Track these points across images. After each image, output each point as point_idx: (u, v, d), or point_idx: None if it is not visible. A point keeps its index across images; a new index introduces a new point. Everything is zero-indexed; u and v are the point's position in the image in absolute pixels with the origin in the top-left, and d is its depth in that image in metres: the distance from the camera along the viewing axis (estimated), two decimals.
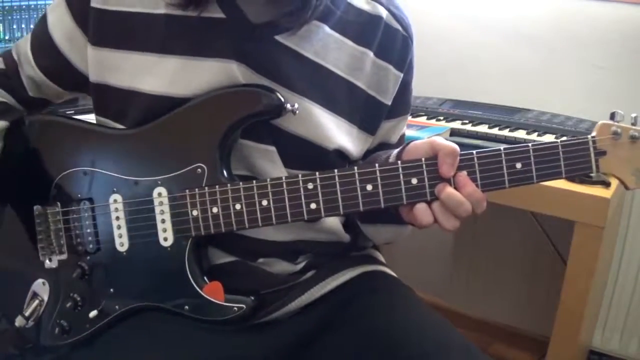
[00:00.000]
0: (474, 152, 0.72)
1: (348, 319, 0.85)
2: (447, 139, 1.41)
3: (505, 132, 1.42)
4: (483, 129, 1.45)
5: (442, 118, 1.56)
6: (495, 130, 1.43)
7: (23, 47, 0.88)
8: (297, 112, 0.77)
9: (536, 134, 1.40)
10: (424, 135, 1.39)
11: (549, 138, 1.37)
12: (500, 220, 1.81)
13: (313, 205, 0.74)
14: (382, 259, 0.99)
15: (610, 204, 1.16)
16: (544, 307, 1.80)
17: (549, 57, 1.69)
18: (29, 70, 0.87)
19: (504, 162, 0.72)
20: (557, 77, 1.69)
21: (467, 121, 1.52)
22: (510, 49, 1.74)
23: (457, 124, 1.50)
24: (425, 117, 1.58)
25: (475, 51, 1.80)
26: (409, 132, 0.98)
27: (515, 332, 1.93)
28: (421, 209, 0.73)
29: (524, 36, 1.72)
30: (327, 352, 0.83)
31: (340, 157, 0.84)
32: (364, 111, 0.85)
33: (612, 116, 0.73)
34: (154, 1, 0.77)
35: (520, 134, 1.41)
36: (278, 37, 0.77)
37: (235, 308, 0.77)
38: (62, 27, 0.82)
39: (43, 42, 0.84)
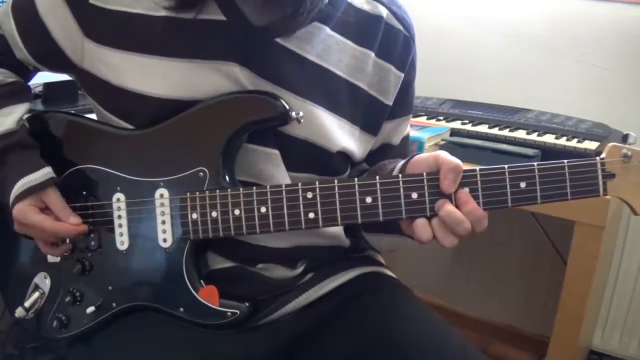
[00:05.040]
0: (477, 169, 0.71)
1: (346, 320, 0.85)
2: (447, 139, 1.41)
3: (505, 132, 1.42)
4: (483, 129, 1.45)
5: (442, 118, 1.56)
6: (495, 130, 1.43)
7: (8, 28, 0.84)
8: (302, 120, 0.76)
9: (536, 134, 1.40)
10: (424, 135, 1.38)
11: (549, 138, 1.37)
12: (500, 220, 1.81)
13: (311, 215, 0.73)
14: (381, 259, 0.99)
15: (610, 204, 1.16)
16: (544, 307, 1.80)
17: (548, 57, 1.69)
18: (18, 52, 0.85)
19: (507, 180, 0.70)
20: (557, 77, 1.69)
21: (467, 121, 1.52)
22: (510, 49, 1.75)
23: (457, 124, 1.50)
24: (425, 117, 1.58)
25: (475, 51, 1.80)
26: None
27: (515, 332, 1.93)
28: (420, 224, 0.72)
29: (523, 36, 1.72)
30: (325, 353, 0.83)
31: (343, 158, 0.84)
32: (366, 112, 0.85)
33: (625, 139, 0.70)
34: (154, 3, 0.77)
35: (520, 134, 1.41)
36: (279, 40, 0.77)
37: (229, 313, 0.77)
38: (56, 16, 0.79)
39: (34, 27, 0.81)
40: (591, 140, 1.34)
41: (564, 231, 1.32)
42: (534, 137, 1.38)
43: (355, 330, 0.83)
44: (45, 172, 0.80)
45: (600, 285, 1.57)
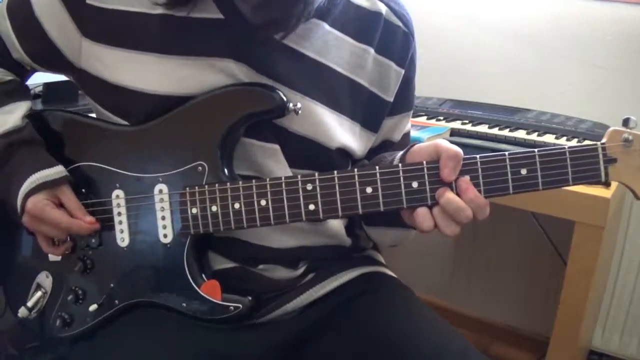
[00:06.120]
0: (478, 156, 0.70)
1: (347, 320, 0.85)
2: (447, 139, 1.41)
3: (505, 132, 1.42)
4: (483, 129, 1.45)
5: (442, 118, 1.56)
6: (495, 130, 1.43)
7: (4, 28, 0.84)
8: (300, 111, 0.76)
9: (536, 134, 1.40)
10: (424, 135, 1.38)
11: (549, 138, 1.37)
12: (500, 220, 1.81)
13: (312, 207, 0.73)
14: (382, 259, 0.99)
15: (610, 204, 1.16)
16: (544, 307, 1.80)
17: (549, 57, 1.69)
18: (15, 53, 0.85)
19: (508, 167, 0.69)
20: (557, 77, 1.69)
21: (467, 121, 1.52)
22: (510, 49, 1.74)
23: (457, 124, 1.50)
24: (425, 117, 1.58)
25: (475, 51, 1.80)
26: None
27: (515, 332, 1.93)
28: (422, 213, 0.71)
29: (524, 36, 1.72)
30: (325, 352, 0.83)
31: (343, 155, 0.84)
32: (366, 109, 0.85)
33: (625, 122, 0.69)
34: (152, 1, 0.77)
35: (520, 134, 1.41)
36: (277, 36, 0.77)
37: (232, 307, 0.77)
38: (53, 17, 0.79)
39: (30, 28, 0.81)
40: (591, 140, 1.34)
41: (564, 231, 1.32)
42: (534, 137, 1.38)
43: (356, 330, 0.83)
44: (60, 170, 0.80)
45: (600, 285, 1.57)
